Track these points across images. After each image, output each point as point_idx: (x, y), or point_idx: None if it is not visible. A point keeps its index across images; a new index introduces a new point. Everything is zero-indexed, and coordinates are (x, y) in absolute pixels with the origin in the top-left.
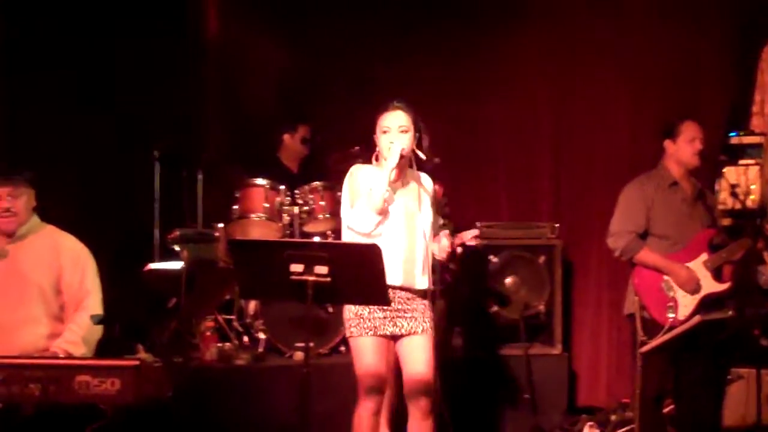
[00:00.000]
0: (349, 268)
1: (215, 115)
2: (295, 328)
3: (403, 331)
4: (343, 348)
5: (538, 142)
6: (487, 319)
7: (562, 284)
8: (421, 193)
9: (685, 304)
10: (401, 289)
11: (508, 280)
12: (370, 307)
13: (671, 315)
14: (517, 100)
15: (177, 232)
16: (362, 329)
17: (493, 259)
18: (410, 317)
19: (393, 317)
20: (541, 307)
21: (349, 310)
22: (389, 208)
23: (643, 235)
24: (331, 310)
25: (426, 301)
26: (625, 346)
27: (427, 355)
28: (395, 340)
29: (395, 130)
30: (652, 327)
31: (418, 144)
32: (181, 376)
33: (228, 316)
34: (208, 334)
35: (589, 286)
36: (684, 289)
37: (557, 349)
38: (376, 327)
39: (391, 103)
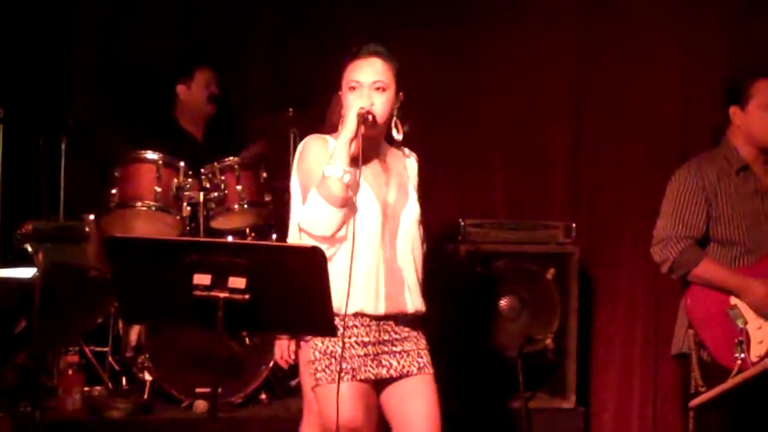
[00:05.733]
0: (278, 282)
1: (86, 57)
2: (197, 367)
3: (392, 372)
4: (264, 395)
5: (551, 105)
6: (471, 358)
7: (579, 309)
8: (404, 178)
9: (761, 339)
10: (384, 318)
11: (503, 303)
12: (348, 340)
13: (740, 355)
14: (525, 44)
15: (29, 226)
16: (335, 373)
17: (482, 271)
18: (400, 352)
19: (377, 354)
20: (549, 342)
21: (314, 348)
22: (359, 201)
23: (702, 242)
24: (248, 341)
25: (419, 329)
26: (670, 399)
27: (430, 403)
28: (379, 386)
29: (369, 86)
30: (714, 372)
31: (399, 109)
32: None
33: (99, 348)
34: (71, 373)
35: (619, 312)
36: (762, 313)
37: (570, 402)
38: (354, 369)
39: (364, 47)
